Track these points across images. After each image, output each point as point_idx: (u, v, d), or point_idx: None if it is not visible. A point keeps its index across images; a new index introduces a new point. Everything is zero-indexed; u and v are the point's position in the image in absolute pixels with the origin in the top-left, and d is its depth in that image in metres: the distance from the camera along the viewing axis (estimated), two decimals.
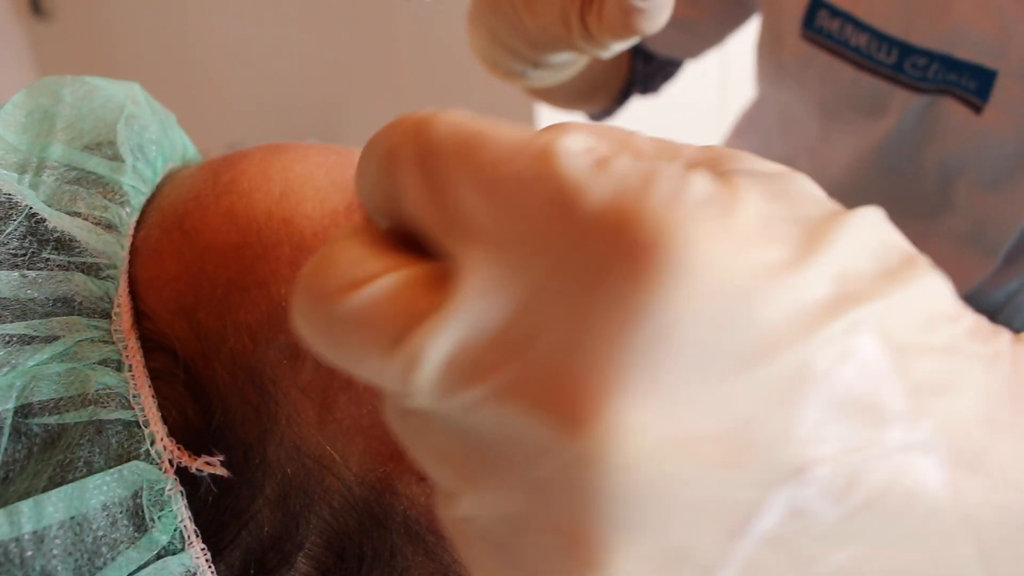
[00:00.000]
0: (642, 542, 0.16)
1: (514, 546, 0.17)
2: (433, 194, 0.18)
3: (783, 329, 0.16)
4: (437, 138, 0.18)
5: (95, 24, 1.78)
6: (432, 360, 0.16)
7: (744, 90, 0.80)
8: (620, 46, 0.42)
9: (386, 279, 0.18)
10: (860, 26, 0.57)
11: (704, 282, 0.16)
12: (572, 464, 0.16)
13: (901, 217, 0.61)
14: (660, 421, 0.16)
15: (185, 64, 1.71)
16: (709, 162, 0.19)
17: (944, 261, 0.61)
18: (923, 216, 0.61)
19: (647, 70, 0.73)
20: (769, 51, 0.65)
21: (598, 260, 0.16)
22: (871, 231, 0.19)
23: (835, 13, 0.58)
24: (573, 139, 0.17)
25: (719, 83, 1.50)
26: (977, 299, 0.59)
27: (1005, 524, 0.18)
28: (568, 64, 0.52)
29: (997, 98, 0.52)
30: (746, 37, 0.74)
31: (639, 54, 0.72)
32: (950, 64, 0.54)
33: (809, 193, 0.19)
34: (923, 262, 0.19)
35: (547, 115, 1.30)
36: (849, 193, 0.64)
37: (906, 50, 0.55)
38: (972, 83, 0.53)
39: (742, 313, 0.16)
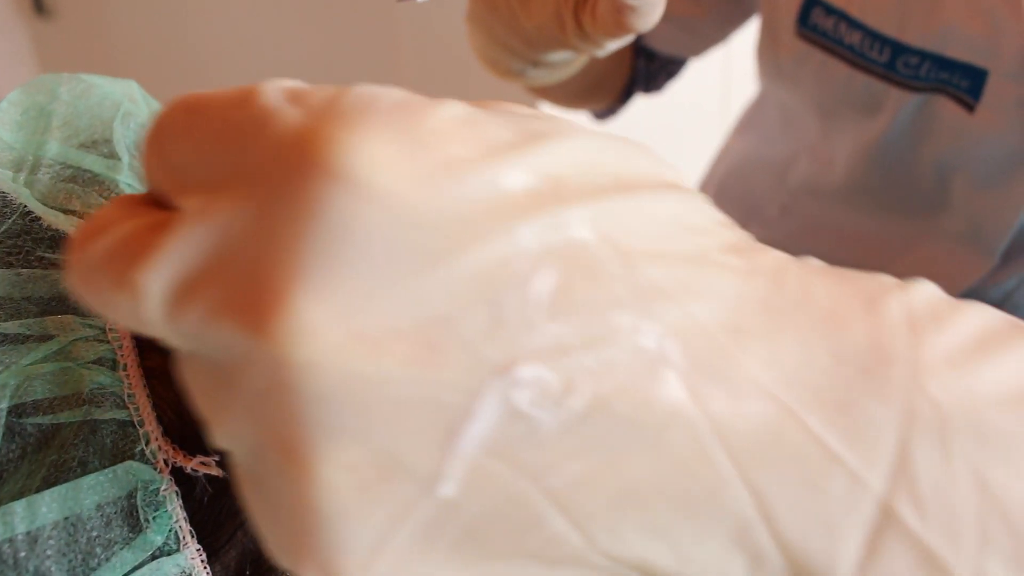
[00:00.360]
0: (349, 447, 0.16)
1: (259, 473, 0.17)
2: (160, 160, 0.19)
3: (468, 224, 0.16)
4: (166, 114, 0.19)
5: (98, 23, 1.78)
6: (152, 290, 0.17)
7: (747, 88, 0.80)
8: (615, 44, 0.43)
9: (121, 225, 0.18)
10: (853, 24, 0.57)
11: (374, 181, 0.16)
12: (268, 369, 0.16)
13: (900, 216, 0.62)
14: (340, 318, 0.16)
15: (187, 63, 1.71)
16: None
17: (943, 260, 0.61)
18: (921, 215, 0.61)
19: (649, 68, 0.73)
20: (767, 50, 0.66)
21: (277, 174, 0.16)
22: (612, 150, 0.18)
23: (829, 11, 0.58)
24: (273, 82, 0.18)
25: (722, 81, 1.49)
26: (975, 297, 0.59)
27: (759, 435, 0.18)
28: (567, 63, 0.52)
29: (989, 97, 0.52)
30: (749, 35, 0.74)
31: (641, 52, 0.72)
32: (942, 63, 0.54)
33: (555, 118, 0.19)
34: (680, 183, 0.19)
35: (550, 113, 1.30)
36: (851, 192, 0.64)
37: (898, 49, 0.55)
38: (964, 82, 0.53)
39: (418, 208, 0.16)
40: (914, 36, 0.54)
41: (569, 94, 0.72)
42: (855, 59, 0.58)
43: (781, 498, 0.18)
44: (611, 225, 0.17)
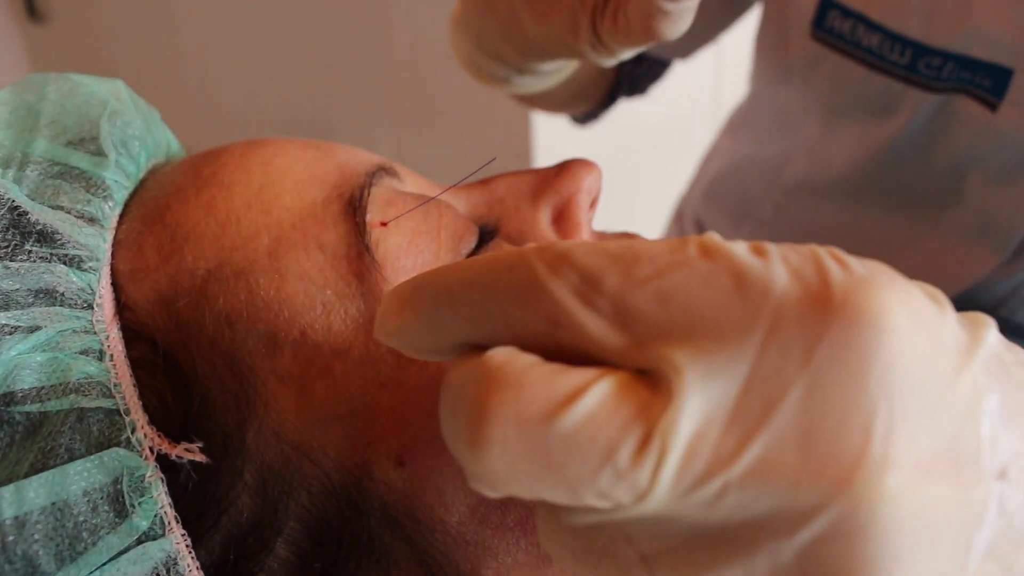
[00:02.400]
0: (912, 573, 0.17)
1: None
2: (612, 313, 0.19)
3: (959, 355, 0.19)
4: (587, 265, 0.19)
5: (91, 28, 1.78)
6: (673, 460, 0.17)
7: (738, 87, 0.80)
8: (628, 54, 0.41)
9: (596, 390, 0.18)
10: (872, 27, 0.56)
11: (903, 326, 0.18)
12: (844, 519, 0.17)
13: (904, 211, 0.61)
14: (907, 450, 0.17)
15: (181, 68, 1.71)
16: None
17: (947, 254, 0.60)
18: (927, 210, 0.60)
19: (635, 72, 0.72)
20: (773, 50, 0.65)
21: (811, 330, 0.18)
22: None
23: (847, 14, 0.58)
24: (714, 235, 0.19)
25: (714, 79, 1.50)
26: (980, 292, 0.59)
27: None
28: (555, 71, 0.51)
29: (1013, 96, 0.52)
30: (740, 34, 0.74)
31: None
32: (965, 63, 0.53)
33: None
34: None
35: (542, 116, 1.31)
36: (851, 189, 0.64)
37: (920, 50, 0.55)
38: (987, 81, 0.53)
39: (936, 344, 0.18)
40: (939, 38, 0.54)
41: (553, 101, 0.71)
42: (874, 61, 0.57)
43: None
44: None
